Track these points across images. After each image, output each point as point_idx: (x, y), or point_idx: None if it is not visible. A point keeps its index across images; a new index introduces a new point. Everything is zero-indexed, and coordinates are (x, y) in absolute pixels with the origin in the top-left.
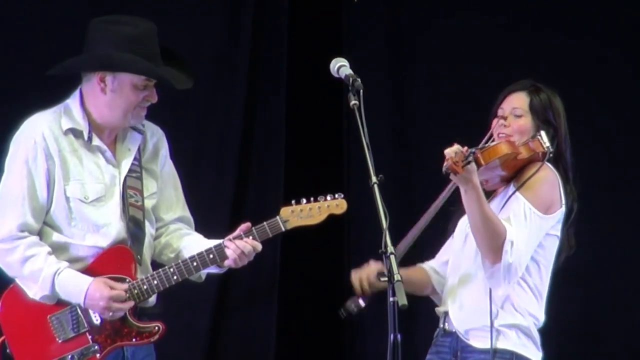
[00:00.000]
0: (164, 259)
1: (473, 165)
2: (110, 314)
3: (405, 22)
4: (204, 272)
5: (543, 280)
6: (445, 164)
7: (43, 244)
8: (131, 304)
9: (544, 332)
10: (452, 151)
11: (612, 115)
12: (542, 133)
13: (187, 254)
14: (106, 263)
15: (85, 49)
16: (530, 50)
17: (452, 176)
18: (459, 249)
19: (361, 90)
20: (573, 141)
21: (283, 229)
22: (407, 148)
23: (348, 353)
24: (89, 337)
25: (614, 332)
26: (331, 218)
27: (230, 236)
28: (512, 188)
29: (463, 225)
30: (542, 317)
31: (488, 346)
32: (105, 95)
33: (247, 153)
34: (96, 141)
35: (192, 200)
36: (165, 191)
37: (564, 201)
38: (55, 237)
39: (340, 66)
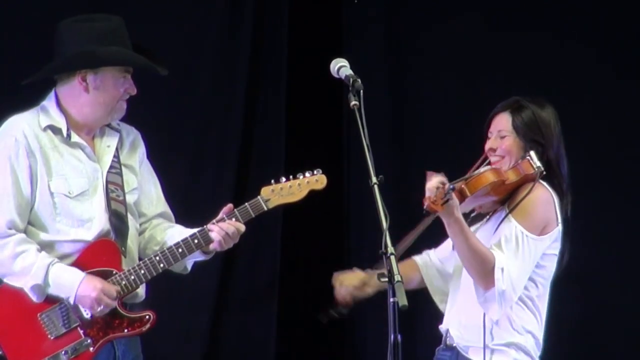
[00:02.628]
0: (149, 253)
1: (454, 201)
2: (100, 307)
3: (405, 23)
4: (189, 262)
5: (542, 297)
6: (424, 202)
7: (32, 241)
8: (116, 301)
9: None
10: (432, 188)
11: (610, 117)
12: (532, 153)
13: (170, 243)
14: (92, 257)
15: (58, 52)
16: (530, 51)
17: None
18: (458, 268)
19: (361, 91)
20: (572, 143)
21: (265, 209)
22: (407, 148)
23: (348, 353)
24: (81, 331)
25: (611, 334)
26: (332, 219)
27: (214, 220)
28: (504, 211)
29: None
30: (541, 337)
31: None
32: (89, 94)
33: (247, 153)
34: (75, 138)
35: (192, 199)
36: (145, 187)
37: (559, 219)
38: (42, 236)
39: (340, 67)
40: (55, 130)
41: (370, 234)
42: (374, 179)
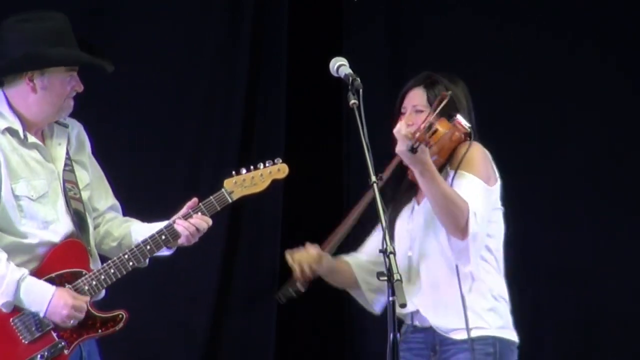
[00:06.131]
0: (105, 249)
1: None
2: (71, 322)
3: (405, 22)
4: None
5: (501, 255)
6: (408, 141)
7: (0, 250)
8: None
9: (543, 331)
10: (409, 127)
11: (611, 114)
12: (459, 116)
13: (135, 239)
14: (60, 259)
15: (3, 52)
16: (533, 46)
17: (408, 159)
18: (406, 249)
19: (361, 90)
20: (576, 138)
21: (230, 200)
22: None
23: (348, 353)
24: (54, 334)
25: (612, 333)
26: (332, 218)
27: (179, 214)
28: (450, 171)
29: (404, 227)
30: (507, 296)
31: (464, 337)
32: (36, 93)
33: (247, 153)
34: (32, 139)
35: (192, 197)
36: (95, 181)
37: (497, 175)
38: (7, 239)
39: (339, 65)
40: (12, 132)
41: (370, 233)
42: (373, 178)
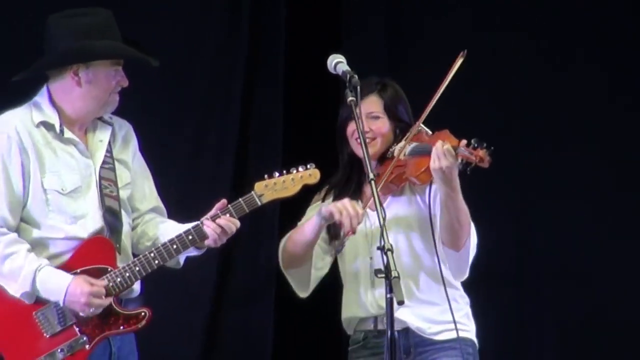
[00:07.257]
0: (141, 248)
1: None
2: (91, 310)
3: (405, 22)
4: (182, 257)
5: None
6: (458, 161)
7: (23, 241)
8: (110, 299)
9: (543, 331)
10: (458, 143)
11: (613, 115)
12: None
13: (163, 239)
14: (86, 255)
15: (49, 47)
16: (531, 46)
17: (444, 177)
18: (366, 253)
19: (358, 87)
20: (577, 137)
21: (259, 204)
22: None
23: (345, 349)
24: (77, 329)
25: (613, 333)
26: None
27: (208, 215)
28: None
29: (361, 231)
30: None
31: (448, 337)
32: (81, 88)
33: (245, 152)
34: (68, 134)
35: (191, 199)
36: (138, 182)
37: None
38: (34, 233)
39: (337, 62)
40: (48, 126)
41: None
42: (371, 175)
